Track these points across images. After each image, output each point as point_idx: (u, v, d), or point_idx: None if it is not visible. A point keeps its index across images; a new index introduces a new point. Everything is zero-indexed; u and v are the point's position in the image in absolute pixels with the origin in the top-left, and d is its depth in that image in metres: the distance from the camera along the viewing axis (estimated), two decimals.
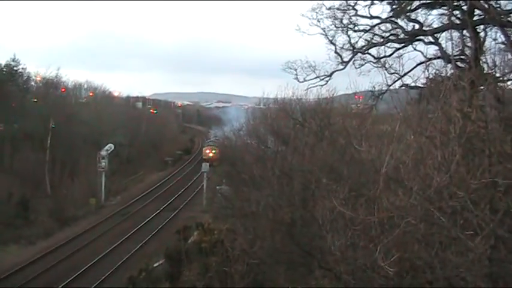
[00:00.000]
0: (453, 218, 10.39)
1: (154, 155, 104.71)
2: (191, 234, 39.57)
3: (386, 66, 26.11)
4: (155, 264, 39.30)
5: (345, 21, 27.15)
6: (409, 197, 11.18)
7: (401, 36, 25.99)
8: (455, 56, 22.34)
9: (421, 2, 25.02)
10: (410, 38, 25.63)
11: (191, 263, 29.52)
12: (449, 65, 21.11)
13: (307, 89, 30.91)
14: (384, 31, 26.53)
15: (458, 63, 22.41)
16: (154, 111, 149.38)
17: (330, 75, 28.77)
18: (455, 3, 23.35)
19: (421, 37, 25.24)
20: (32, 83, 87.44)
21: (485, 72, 16.08)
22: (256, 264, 22.71)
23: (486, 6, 21.64)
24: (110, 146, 77.03)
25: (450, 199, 10.42)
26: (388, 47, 26.40)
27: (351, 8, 27.05)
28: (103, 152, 73.86)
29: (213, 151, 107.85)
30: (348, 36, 27.25)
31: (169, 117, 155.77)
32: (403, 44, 25.99)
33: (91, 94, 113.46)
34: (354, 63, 27.58)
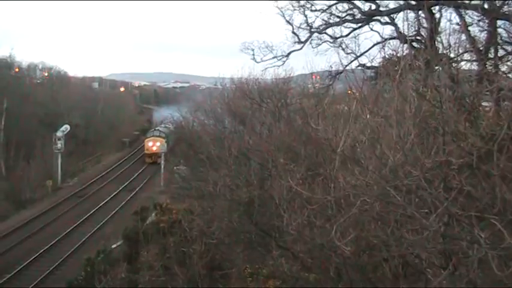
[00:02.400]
0: (408, 196, 10.52)
1: (112, 136, 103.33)
2: (149, 215, 39.41)
3: (343, 46, 26.31)
4: (113, 246, 39.12)
5: (302, 1, 27.13)
6: (365, 176, 11.28)
7: (358, 16, 26.11)
8: (411, 36, 22.58)
9: None
10: (367, 18, 25.77)
11: (149, 243, 29.42)
12: (405, 46, 21.30)
13: (265, 69, 30.96)
14: (341, 11, 26.60)
15: (414, 44, 22.67)
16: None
17: (287, 55, 28.83)
18: None
19: (378, 17, 25.42)
20: None
21: (440, 52, 16.27)
22: (214, 244, 22.73)
23: None
24: (66, 127, 76.15)
25: (405, 178, 10.54)
26: (345, 27, 26.54)
27: None
28: (59, 133, 73.01)
29: (158, 144, 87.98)
30: (305, 16, 27.26)
31: (126, 97, 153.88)
32: (359, 24, 26.13)
33: (46, 74, 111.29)
34: (311, 43, 27.65)
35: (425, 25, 22.45)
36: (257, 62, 29.86)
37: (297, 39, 27.84)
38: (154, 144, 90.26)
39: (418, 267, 11.55)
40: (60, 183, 71.21)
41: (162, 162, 73.23)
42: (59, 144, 72.02)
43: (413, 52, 18.65)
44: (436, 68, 13.99)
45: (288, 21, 27.71)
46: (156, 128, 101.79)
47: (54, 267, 40.12)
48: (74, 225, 51.95)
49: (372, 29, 25.84)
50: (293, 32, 27.78)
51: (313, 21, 27.26)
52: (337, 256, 12.71)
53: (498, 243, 9.25)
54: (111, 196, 65.48)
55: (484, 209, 10.00)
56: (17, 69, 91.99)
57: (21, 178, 64.40)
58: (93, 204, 61.27)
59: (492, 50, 19.56)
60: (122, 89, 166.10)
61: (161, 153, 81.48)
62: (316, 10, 27.01)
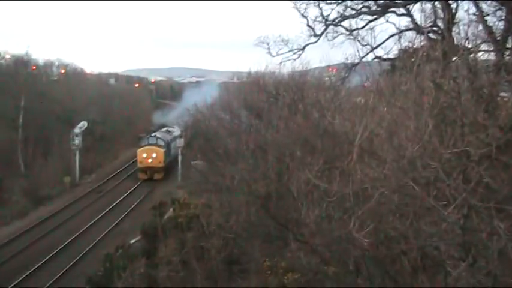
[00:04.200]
0: (426, 188, 10.47)
1: (128, 132, 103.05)
2: (167, 210, 39.52)
3: (359, 38, 26.18)
4: (132, 241, 39.25)
5: None
6: (383, 168, 11.25)
7: (374, 8, 25.98)
8: (427, 27, 22.42)
9: None
10: (383, 9, 25.63)
11: (167, 238, 29.52)
12: (421, 37, 21.17)
13: (281, 62, 30.90)
14: (356, 3, 26.49)
15: (431, 35, 22.53)
16: None
17: (303, 49, 28.77)
18: None
19: (394, 9, 25.29)
20: (2, 61, 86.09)
21: (457, 43, 16.16)
22: (232, 238, 22.79)
23: None
24: (83, 124, 76.17)
25: (423, 169, 10.50)
26: (361, 19, 26.40)
27: None
28: (76, 130, 73.06)
29: (154, 155, 73.60)
30: (320, 8, 27.18)
31: (142, 93, 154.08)
32: (375, 16, 25.99)
33: (62, 71, 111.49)
34: (326, 36, 27.57)
35: (441, 16, 22.29)
36: (272, 56, 29.87)
37: (312, 33, 27.79)
38: (149, 156, 73.80)
39: (437, 259, 11.50)
40: (78, 179, 71.43)
41: (181, 153, 69.89)
42: (77, 141, 72.08)
43: (430, 43, 18.55)
44: (454, 59, 13.90)
45: (302, 15, 27.67)
46: (153, 134, 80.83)
47: (73, 263, 40.30)
48: (93, 221, 52.17)
49: (387, 21, 25.73)
50: (308, 25, 27.73)
51: (329, 14, 27.19)
52: (356, 249, 12.68)
53: None
54: (129, 191, 65.67)
55: (504, 200, 9.93)
56: (34, 67, 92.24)
57: (40, 175, 64.66)
58: (111, 200, 61.47)
59: (510, 40, 19.37)
60: (137, 85, 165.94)
61: (159, 167, 73.19)
62: (331, 3, 26.92)
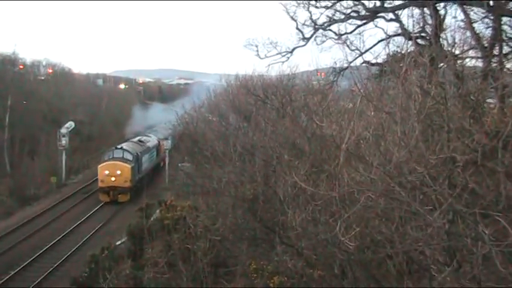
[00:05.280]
0: (412, 193, 10.53)
1: (116, 133, 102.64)
2: (153, 212, 39.44)
3: (348, 42, 26.26)
4: (118, 242, 39.13)
5: None
6: (369, 172, 11.30)
7: (363, 13, 26.09)
8: (415, 33, 22.55)
9: None
10: (372, 14, 25.75)
11: (154, 240, 29.47)
12: (409, 42, 21.30)
13: (269, 65, 30.98)
14: (346, 7, 26.58)
15: (419, 41, 22.65)
16: None
17: (292, 52, 28.85)
18: None
19: (382, 14, 25.41)
20: None
21: (445, 49, 16.28)
22: (218, 240, 22.76)
23: None
24: (71, 124, 75.94)
25: (410, 174, 10.56)
26: (350, 24, 26.52)
27: None
28: (63, 130, 72.85)
29: (118, 172, 60.79)
30: (309, 12, 27.26)
31: (130, 94, 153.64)
32: (364, 21, 26.12)
33: (50, 71, 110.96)
34: (315, 40, 27.67)
35: (430, 22, 22.43)
36: (261, 58, 29.91)
37: (301, 36, 27.89)
38: (113, 174, 60.65)
39: (422, 264, 11.56)
40: (64, 179, 71.23)
41: (169, 156, 70.12)
42: (63, 141, 71.87)
43: (418, 49, 18.68)
44: (441, 64, 14.00)
45: (292, 18, 27.76)
46: (120, 146, 65.73)
47: (59, 264, 40.17)
48: (79, 222, 52.01)
49: (376, 26, 25.89)
50: (297, 29, 27.83)
51: (318, 18, 27.29)
52: (341, 253, 12.73)
53: (502, 240, 9.26)
54: None
55: (489, 206, 10.01)
56: (21, 66, 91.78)
57: (26, 175, 64.44)
58: (97, 200, 61.30)
59: (497, 47, 19.53)
60: (121, 86, 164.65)
61: (125, 187, 60.71)
62: (320, 7, 27.01)
